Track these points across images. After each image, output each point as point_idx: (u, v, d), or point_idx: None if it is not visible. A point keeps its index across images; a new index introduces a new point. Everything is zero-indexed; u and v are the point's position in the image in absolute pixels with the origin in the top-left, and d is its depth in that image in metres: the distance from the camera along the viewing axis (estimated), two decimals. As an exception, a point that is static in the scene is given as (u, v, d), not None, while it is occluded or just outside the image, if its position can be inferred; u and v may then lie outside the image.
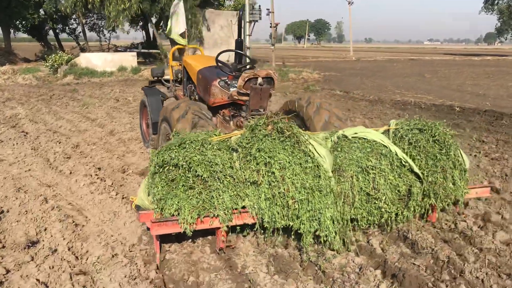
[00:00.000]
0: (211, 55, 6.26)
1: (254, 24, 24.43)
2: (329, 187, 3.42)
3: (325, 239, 3.36)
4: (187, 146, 3.44)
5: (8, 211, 4.31)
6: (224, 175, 3.36)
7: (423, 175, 3.86)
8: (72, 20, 31.50)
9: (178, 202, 3.24)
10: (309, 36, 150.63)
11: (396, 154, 3.77)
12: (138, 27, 33.98)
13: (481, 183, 4.94)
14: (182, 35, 7.34)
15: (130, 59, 20.73)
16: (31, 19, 24.14)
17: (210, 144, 3.51)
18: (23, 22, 26.45)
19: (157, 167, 3.34)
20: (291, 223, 3.35)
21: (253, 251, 3.53)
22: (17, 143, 6.95)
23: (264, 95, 4.97)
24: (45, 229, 3.89)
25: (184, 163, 3.30)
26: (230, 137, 3.73)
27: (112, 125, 8.60)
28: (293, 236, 3.45)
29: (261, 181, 3.37)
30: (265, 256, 3.48)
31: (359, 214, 3.61)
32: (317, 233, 3.35)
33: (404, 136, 4.09)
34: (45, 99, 12.16)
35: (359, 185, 3.57)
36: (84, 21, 28.05)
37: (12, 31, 25.99)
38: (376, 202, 3.62)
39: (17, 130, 7.92)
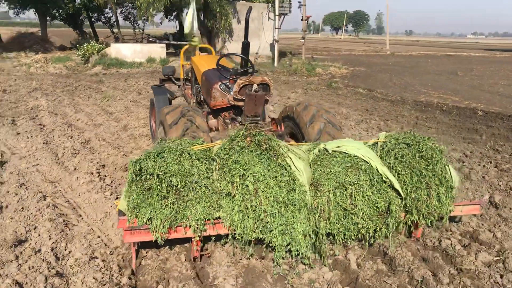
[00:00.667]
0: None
1: (283, 17, 24.30)
2: (303, 202, 3.44)
3: (296, 253, 3.38)
4: (165, 155, 3.51)
5: (6, 207, 4.50)
6: (200, 186, 3.42)
7: (407, 191, 3.83)
8: (108, 9, 32.07)
9: (151, 212, 3.32)
10: (346, 27, 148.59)
11: (377, 170, 3.73)
12: (172, 17, 34.40)
13: (470, 200, 4.80)
14: (190, 34, 7.41)
15: (159, 50, 21.01)
16: (67, 8, 24.80)
17: (188, 154, 3.55)
18: (60, 11, 27.21)
19: (134, 175, 3.42)
20: (263, 236, 3.38)
21: (227, 262, 3.57)
22: (31, 136, 7.20)
23: (259, 102, 4.98)
24: (35, 228, 4.04)
25: (159, 173, 3.37)
26: (213, 147, 3.77)
27: (128, 119, 8.79)
28: (269, 248, 3.48)
29: (235, 193, 3.41)
30: (238, 267, 3.52)
31: (335, 229, 3.60)
32: (288, 247, 3.38)
33: (390, 150, 4.04)
34: (70, 90, 12.50)
35: (335, 200, 3.56)
36: (119, 10, 28.58)
37: (48, 19, 26.73)
38: (353, 217, 3.60)
39: (35, 123, 8.19)
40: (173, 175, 3.36)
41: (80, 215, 4.46)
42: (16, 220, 4.19)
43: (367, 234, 3.69)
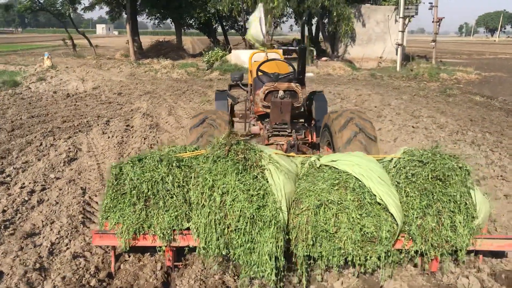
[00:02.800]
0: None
1: (409, 19, 22.91)
2: (275, 219, 3.15)
3: (260, 275, 3.11)
4: (146, 161, 3.50)
5: (47, 200, 4.89)
6: (171, 195, 3.34)
7: (413, 216, 3.30)
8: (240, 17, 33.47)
9: (119, 217, 3.33)
10: (504, 28, 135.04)
11: (370, 190, 3.27)
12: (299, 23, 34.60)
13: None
14: (260, 39, 7.30)
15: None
16: (199, 17, 26.45)
17: (168, 161, 3.49)
18: (193, 20, 29.14)
19: (114, 179, 3.46)
20: (226, 252, 3.18)
21: (198, 276, 3.43)
22: (112, 136, 7.78)
23: (285, 109, 4.72)
24: (52, 222, 4.32)
25: (133, 178, 3.37)
26: (200, 154, 3.67)
27: (209, 123, 9.02)
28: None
29: (203, 204, 3.26)
30: (207, 283, 3.36)
31: (316, 252, 3.23)
32: (253, 268, 3.13)
33: (402, 168, 3.53)
34: (178, 94, 13.27)
35: (315, 220, 3.20)
36: (246, 18, 29.61)
37: (184, 28, 28.90)
38: (337, 241, 3.20)
39: (125, 124, 8.84)
40: (144, 182, 3.33)
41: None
42: (41, 213, 4.53)
43: (356, 261, 3.25)
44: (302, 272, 3.25)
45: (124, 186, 3.40)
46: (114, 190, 3.44)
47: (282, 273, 3.20)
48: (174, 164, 3.48)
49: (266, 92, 4.70)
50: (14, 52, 33.29)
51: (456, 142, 7.54)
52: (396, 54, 22.61)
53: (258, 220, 3.15)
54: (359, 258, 3.22)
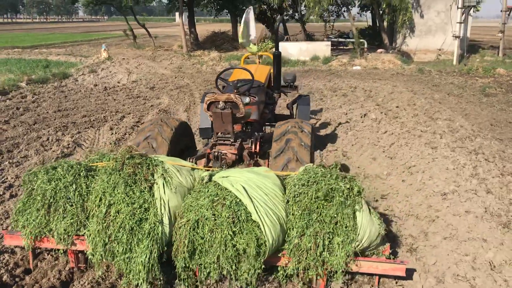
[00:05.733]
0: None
1: (469, 10, 21.58)
2: (153, 232, 3.35)
3: (135, 283, 3.33)
4: (58, 169, 3.80)
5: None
6: (70, 203, 3.62)
7: (293, 236, 3.36)
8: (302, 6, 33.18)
9: (25, 220, 3.68)
10: None
11: (246, 207, 3.36)
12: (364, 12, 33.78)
13: (393, 258, 3.69)
14: (249, 41, 7.40)
15: (324, 49, 21.00)
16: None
17: (76, 170, 3.76)
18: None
19: (26, 185, 3.81)
20: (109, 260, 3.43)
21: (94, 279, 3.69)
22: (116, 133, 8.25)
23: (226, 119, 4.81)
24: (8, 218, 4.79)
25: (41, 186, 3.69)
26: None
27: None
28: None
29: (94, 213, 3.52)
30: (96, 285, 3.62)
31: (194, 264, 3.38)
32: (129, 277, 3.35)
33: (292, 186, 3.58)
34: (209, 88, 13.62)
35: (192, 235, 3.35)
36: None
37: (238, 19, 29.11)
38: (211, 256, 3.34)
39: (135, 120, 9.31)
40: (48, 190, 3.64)
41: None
42: (5, 207, 5.02)
43: (232, 276, 3.36)
44: (182, 282, 3.42)
45: (33, 191, 3.74)
46: (27, 195, 3.78)
47: (160, 283, 3.39)
48: (81, 174, 3.76)
49: (208, 102, 4.83)
50: (88, 42, 35.48)
51: (454, 150, 7.21)
52: (456, 46, 21.48)
53: (138, 232, 3.36)
54: (233, 273, 3.33)
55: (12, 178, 5.88)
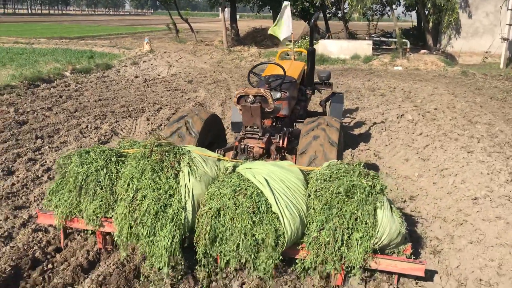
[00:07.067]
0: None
1: (519, 11, 20.78)
2: (176, 217, 3.46)
3: (157, 266, 3.45)
4: (91, 153, 3.96)
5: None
6: (100, 186, 3.78)
7: (313, 229, 3.40)
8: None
9: (59, 199, 3.86)
10: None
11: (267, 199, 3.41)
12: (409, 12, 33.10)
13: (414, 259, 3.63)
14: (287, 38, 7.42)
15: (365, 47, 20.73)
16: (296, 5, 26.53)
17: (107, 155, 3.92)
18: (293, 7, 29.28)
19: (59, 167, 4.00)
20: (134, 243, 3.56)
21: (119, 260, 3.83)
22: (152, 123, 8.46)
23: (255, 113, 4.87)
24: (43, 198, 5.02)
25: (74, 168, 3.87)
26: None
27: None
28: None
29: (122, 197, 3.66)
30: (120, 267, 3.75)
31: (214, 252, 3.47)
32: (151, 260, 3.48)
33: (315, 181, 3.61)
34: (246, 84, 13.72)
35: (213, 222, 3.43)
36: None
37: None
38: (231, 244, 3.41)
39: (173, 112, 9.50)
40: (80, 172, 3.81)
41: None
42: (42, 189, 5.26)
43: (250, 265, 3.43)
44: (203, 268, 3.51)
45: (68, 174, 3.92)
46: (60, 177, 3.97)
47: (181, 267, 3.50)
48: (113, 159, 3.91)
49: (238, 96, 4.90)
50: (132, 35, 36.31)
51: (490, 155, 7.02)
52: (504, 49, 20.76)
53: (162, 217, 3.48)
54: (251, 262, 3.40)
55: (50, 162, 6.14)
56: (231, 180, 3.59)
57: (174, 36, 29.22)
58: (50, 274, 3.64)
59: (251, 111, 4.86)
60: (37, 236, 4.20)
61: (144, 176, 3.60)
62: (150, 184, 3.56)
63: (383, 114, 9.89)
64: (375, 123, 9.06)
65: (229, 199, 3.43)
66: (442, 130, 8.47)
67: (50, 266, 3.77)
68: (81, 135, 7.52)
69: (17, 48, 21.36)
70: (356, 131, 8.70)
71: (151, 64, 17.13)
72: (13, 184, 5.32)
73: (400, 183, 5.95)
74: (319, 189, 3.51)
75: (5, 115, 8.41)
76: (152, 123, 8.43)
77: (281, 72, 5.61)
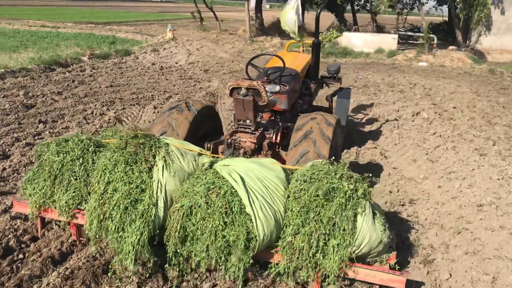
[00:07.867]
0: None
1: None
2: (146, 213, 3.31)
3: (124, 263, 3.31)
4: (69, 142, 3.84)
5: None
6: (75, 177, 3.66)
7: (287, 232, 3.21)
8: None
9: (33, 188, 3.76)
10: None
11: (241, 199, 3.22)
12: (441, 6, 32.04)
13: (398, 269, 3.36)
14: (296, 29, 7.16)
15: (390, 41, 20.16)
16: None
17: (86, 145, 3.79)
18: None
19: (37, 156, 3.90)
20: (102, 237, 3.43)
21: (90, 254, 3.71)
22: (159, 112, 8.34)
23: (248, 107, 4.66)
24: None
25: (50, 157, 3.76)
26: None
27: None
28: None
29: (94, 189, 3.53)
30: (91, 260, 3.64)
31: (185, 251, 3.31)
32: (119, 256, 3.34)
33: (295, 182, 3.41)
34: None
35: (184, 221, 3.27)
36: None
37: (306, 6, 28.58)
38: (201, 245, 3.24)
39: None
40: (56, 162, 3.69)
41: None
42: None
43: (221, 267, 3.26)
44: (173, 267, 3.36)
45: (44, 162, 3.81)
46: (37, 165, 3.87)
47: (149, 265, 3.36)
48: (90, 149, 3.78)
49: (230, 88, 4.70)
50: (159, 22, 36.37)
51: (504, 159, 6.65)
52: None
53: (131, 212, 3.33)
54: (222, 264, 3.23)
55: (47, 147, 6.07)
56: (205, 177, 3.41)
57: (199, 24, 29.07)
58: (20, 265, 3.55)
59: (243, 104, 4.66)
60: (15, 224, 4.12)
61: (117, 169, 3.46)
62: (122, 177, 3.41)
63: (398, 111, 9.54)
64: (387, 120, 8.73)
65: (201, 197, 3.26)
66: (458, 130, 8.09)
67: (21, 256, 3.69)
68: (85, 121, 7.45)
69: (42, 31, 21.59)
70: (367, 128, 8.40)
71: (171, 52, 17.05)
72: (4, 169, 5.27)
73: (402, 185, 5.66)
74: (298, 190, 3.31)
75: (14, 98, 8.43)
76: (158, 112, 8.31)
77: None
